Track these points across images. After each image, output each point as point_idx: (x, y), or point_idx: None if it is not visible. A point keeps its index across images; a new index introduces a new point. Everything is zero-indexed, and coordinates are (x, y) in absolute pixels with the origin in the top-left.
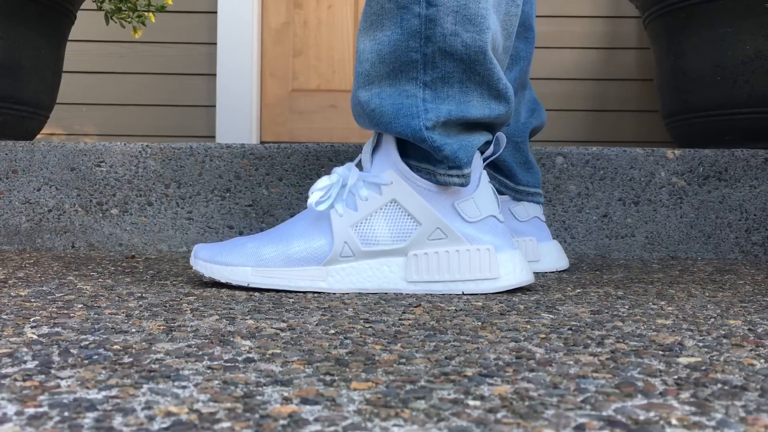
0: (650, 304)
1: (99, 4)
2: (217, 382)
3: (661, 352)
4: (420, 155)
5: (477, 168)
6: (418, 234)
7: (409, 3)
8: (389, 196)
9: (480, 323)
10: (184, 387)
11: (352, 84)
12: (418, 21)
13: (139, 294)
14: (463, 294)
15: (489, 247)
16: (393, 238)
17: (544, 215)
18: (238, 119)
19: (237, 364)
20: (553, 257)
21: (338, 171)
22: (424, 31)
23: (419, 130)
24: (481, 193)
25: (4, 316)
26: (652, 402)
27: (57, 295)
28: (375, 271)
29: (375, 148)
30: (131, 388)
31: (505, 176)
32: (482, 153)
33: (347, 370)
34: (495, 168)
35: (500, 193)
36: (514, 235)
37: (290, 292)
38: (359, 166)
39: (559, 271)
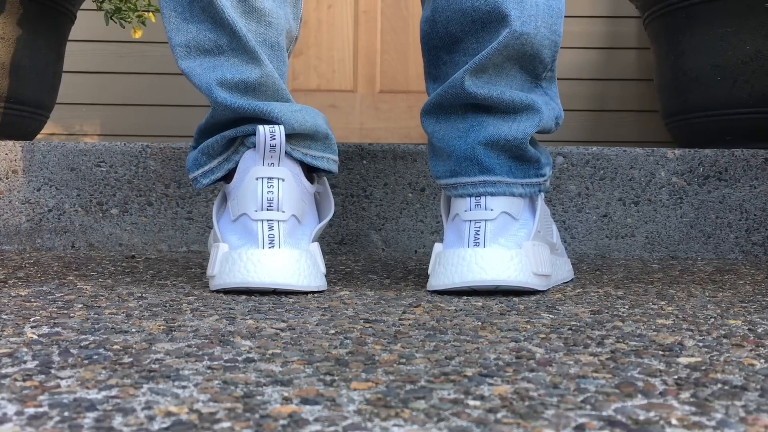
0: (650, 304)
1: (99, 4)
2: (217, 382)
3: (661, 352)
4: None
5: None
6: None
7: None
8: None
9: (480, 323)
10: (184, 387)
11: None
12: None
13: (139, 294)
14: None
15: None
16: None
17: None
18: None
19: (237, 364)
20: None
21: None
22: None
23: None
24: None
25: (4, 316)
26: (652, 402)
27: (57, 295)
28: None
29: None
30: (131, 388)
31: None
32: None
33: (347, 370)
34: None
35: None
36: None
37: (291, 291)
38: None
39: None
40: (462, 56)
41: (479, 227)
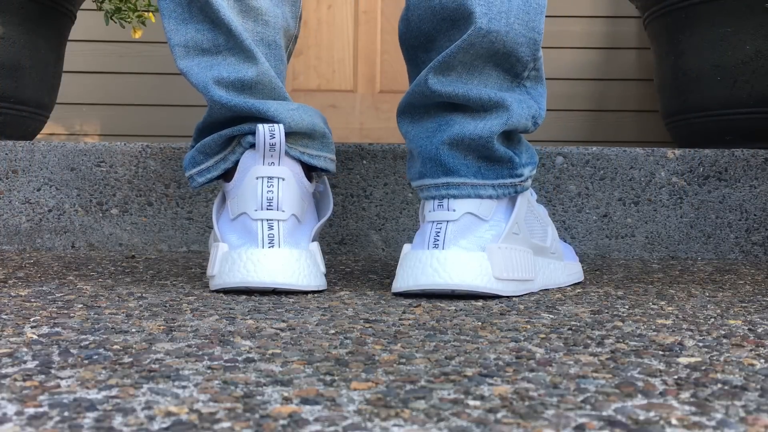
0: (650, 304)
1: (99, 4)
2: (217, 382)
3: (661, 352)
4: None
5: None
6: None
7: None
8: None
9: (480, 323)
10: (184, 387)
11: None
12: None
13: (139, 294)
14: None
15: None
16: None
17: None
18: None
19: (237, 364)
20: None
21: None
22: None
23: None
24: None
25: (4, 316)
26: (652, 402)
27: (57, 295)
28: None
29: None
30: (131, 388)
31: None
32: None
33: (347, 370)
34: None
35: None
36: None
37: (291, 291)
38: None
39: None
40: (437, 55)
41: (440, 228)
